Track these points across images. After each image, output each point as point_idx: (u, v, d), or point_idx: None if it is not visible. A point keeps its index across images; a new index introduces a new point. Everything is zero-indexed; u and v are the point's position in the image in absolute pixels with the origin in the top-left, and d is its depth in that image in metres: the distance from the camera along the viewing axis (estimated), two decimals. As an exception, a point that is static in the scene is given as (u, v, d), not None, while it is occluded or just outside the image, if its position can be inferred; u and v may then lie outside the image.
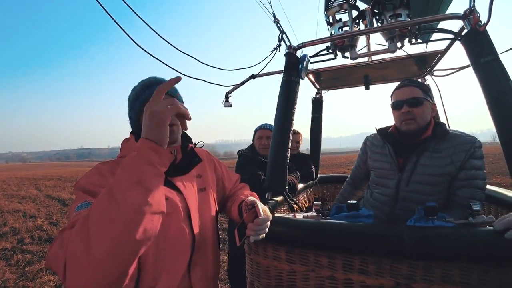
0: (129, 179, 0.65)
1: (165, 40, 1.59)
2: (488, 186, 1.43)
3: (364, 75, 2.28)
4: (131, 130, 1.05)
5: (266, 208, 1.00)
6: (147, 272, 0.86)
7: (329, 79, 2.37)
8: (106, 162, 0.94)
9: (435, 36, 1.76)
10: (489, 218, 0.96)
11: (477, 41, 1.29)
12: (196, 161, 1.06)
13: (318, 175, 2.62)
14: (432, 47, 1.94)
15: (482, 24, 1.26)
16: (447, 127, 1.35)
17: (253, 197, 1.09)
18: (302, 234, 1.00)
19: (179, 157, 1.02)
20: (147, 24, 1.44)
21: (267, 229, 0.94)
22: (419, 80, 2.19)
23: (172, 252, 0.91)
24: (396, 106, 1.37)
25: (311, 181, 2.43)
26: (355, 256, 0.94)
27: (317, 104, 2.58)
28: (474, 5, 1.31)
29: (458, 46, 1.71)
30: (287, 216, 1.30)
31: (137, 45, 1.42)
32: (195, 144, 1.14)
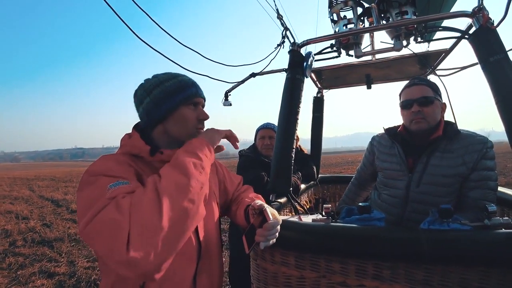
0: (194, 162, 0.77)
1: (166, 32, 1.53)
2: None
3: (366, 74, 2.25)
4: (135, 126, 0.98)
5: (275, 211, 0.95)
6: (152, 283, 0.81)
7: (331, 78, 2.34)
8: (112, 155, 0.89)
9: (439, 34, 1.73)
10: (505, 220, 0.93)
11: (486, 39, 1.26)
12: None
13: (319, 175, 2.58)
14: (433, 46, 1.92)
15: (493, 22, 1.23)
16: (457, 127, 1.32)
17: (260, 200, 1.04)
18: (313, 238, 0.96)
19: None
20: (146, 13, 1.38)
21: (277, 234, 0.89)
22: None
23: (178, 262, 0.85)
24: (405, 105, 1.33)
25: (312, 182, 2.40)
26: (368, 261, 0.90)
27: (318, 104, 2.54)
28: (482, 3, 1.29)
29: (461, 45, 1.70)
30: (291, 218, 1.26)
31: (137, 36, 1.35)
32: None
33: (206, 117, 0.98)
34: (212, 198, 1.05)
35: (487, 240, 0.83)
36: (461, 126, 1.35)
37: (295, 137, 1.57)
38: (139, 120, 0.99)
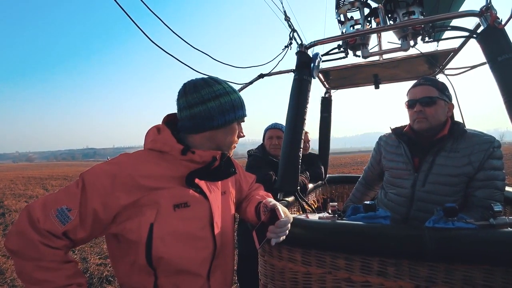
0: None
1: (178, 36, 1.57)
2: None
3: (373, 74, 2.26)
4: (165, 121, 0.99)
5: (286, 209, 0.98)
6: (167, 280, 0.85)
7: (339, 78, 2.35)
8: (137, 157, 0.89)
9: (447, 34, 1.73)
10: (510, 220, 0.94)
11: (494, 39, 1.26)
12: (232, 172, 1.02)
13: (327, 175, 2.60)
14: (442, 45, 1.92)
15: (501, 21, 1.23)
16: (464, 127, 1.33)
17: (271, 199, 1.06)
18: (319, 235, 0.99)
19: (217, 163, 0.96)
20: (155, 14, 1.41)
21: (287, 232, 0.92)
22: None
23: (193, 260, 0.89)
24: (410, 105, 1.35)
25: (320, 181, 2.41)
26: (373, 258, 0.92)
27: (326, 104, 2.56)
28: (490, 2, 1.29)
29: (469, 44, 1.69)
30: (299, 217, 1.29)
31: (147, 37, 1.39)
32: None
33: (243, 135, 1.04)
34: (229, 196, 1.08)
35: (491, 238, 0.84)
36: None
37: (303, 138, 1.59)
38: (163, 116, 0.99)
